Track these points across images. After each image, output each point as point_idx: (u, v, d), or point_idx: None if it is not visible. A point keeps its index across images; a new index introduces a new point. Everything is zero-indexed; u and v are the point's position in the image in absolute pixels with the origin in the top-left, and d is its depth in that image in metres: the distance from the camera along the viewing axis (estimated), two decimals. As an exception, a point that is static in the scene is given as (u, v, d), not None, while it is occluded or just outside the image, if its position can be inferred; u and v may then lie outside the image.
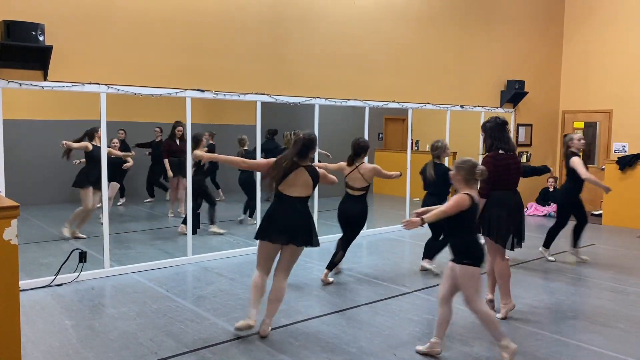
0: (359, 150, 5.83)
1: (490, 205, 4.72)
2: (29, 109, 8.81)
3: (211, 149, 8.31)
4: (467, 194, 3.88)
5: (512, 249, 4.89)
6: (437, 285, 5.91)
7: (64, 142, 7.23)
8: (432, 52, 9.25)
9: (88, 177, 7.24)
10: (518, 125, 10.71)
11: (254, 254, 7.10)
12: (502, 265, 4.88)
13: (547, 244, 7.10)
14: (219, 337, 4.38)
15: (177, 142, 8.79)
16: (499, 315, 4.88)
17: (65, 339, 4.31)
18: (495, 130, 4.86)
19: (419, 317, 4.93)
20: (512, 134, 5.07)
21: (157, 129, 9.56)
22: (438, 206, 3.96)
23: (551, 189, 10.85)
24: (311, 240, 4.38)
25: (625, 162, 9.48)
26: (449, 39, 9.47)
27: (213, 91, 6.74)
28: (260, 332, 4.37)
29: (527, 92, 10.43)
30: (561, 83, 11.62)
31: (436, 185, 6.07)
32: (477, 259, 3.91)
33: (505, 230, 4.74)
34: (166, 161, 8.66)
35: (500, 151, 4.79)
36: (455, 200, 3.85)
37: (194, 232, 6.90)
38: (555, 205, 10.66)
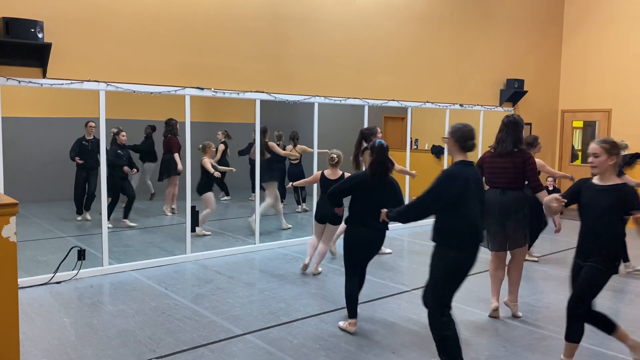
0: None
1: None
2: (28, 106, 8.80)
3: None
4: (322, 171, 6.14)
5: (489, 247, 4.84)
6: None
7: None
8: (431, 50, 9.24)
9: (272, 172, 7.98)
10: (517, 124, 10.72)
11: (252, 252, 7.14)
12: (489, 264, 4.94)
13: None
14: (218, 335, 4.38)
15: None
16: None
17: (64, 337, 4.31)
18: (499, 129, 4.87)
19: (418, 315, 4.93)
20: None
21: (92, 124, 8.13)
22: None
23: (551, 188, 10.84)
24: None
25: (625, 162, 9.46)
26: (448, 38, 9.47)
27: (212, 89, 6.73)
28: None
29: (526, 91, 10.44)
30: (560, 82, 11.62)
31: None
32: (316, 214, 6.25)
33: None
34: (177, 155, 8.68)
35: (490, 149, 4.85)
36: (313, 175, 6.46)
37: (192, 230, 6.89)
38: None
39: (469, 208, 3.49)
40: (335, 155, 6.01)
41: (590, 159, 3.62)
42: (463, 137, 3.60)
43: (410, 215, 3.71)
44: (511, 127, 4.76)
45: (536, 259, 6.95)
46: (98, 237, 6.36)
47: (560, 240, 7.88)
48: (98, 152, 7.75)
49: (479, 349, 4.22)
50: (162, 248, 7.22)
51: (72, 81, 5.73)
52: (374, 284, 5.86)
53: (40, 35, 5.32)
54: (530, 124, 10.94)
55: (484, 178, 4.76)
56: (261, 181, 7.57)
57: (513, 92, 10.23)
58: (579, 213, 3.70)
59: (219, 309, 4.99)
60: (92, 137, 8.03)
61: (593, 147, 3.58)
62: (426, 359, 4.03)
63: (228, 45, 6.91)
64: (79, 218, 8.35)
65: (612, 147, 3.55)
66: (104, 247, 6.12)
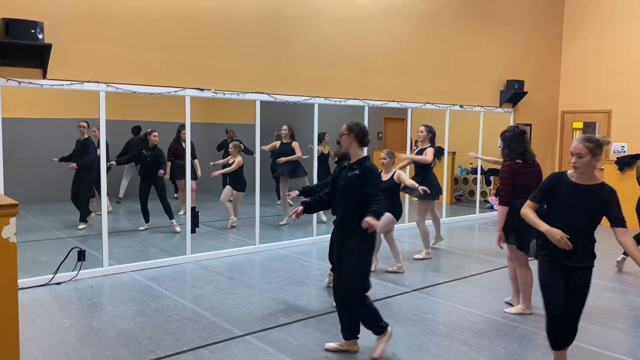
0: None
1: (511, 213, 4.76)
2: (28, 107, 8.80)
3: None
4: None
5: (535, 257, 4.87)
6: (436, 285, 5.93)
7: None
8: (431, 51, 9.24)
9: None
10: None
11: (253, 253, 7.14)
12: (523, 273, 4.97)
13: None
14: (218, 336, 4.38)
15: (183, 145, 8.71)
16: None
17: (64, 338, 4.31)
18: (513, 140, 4.92)
19: (418, 316, 4.93)
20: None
21: (84, 124, 8.14)
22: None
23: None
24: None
25: (624, 163, 9.49)
26: (448, 39, 9.47)
27: (212, 90, 6.73)
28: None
29: (526, 92, 10.44)
30: (560, 83, 11.62)
31: None
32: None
33: (525, 237, 4.69)
34: (169, 164, 8.67)
35: (517, 160, 4.86)
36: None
37: (192, 230, 6.89)
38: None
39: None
40: None
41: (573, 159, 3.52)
42: (362, 132, 3.96)
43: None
44: (523, 137, 4.92)
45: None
46: (98, 238, 6.36)
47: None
48: (85, 152, 7.84)
49: (479, 350, 4.21)
50: (162, 249, 7.22)
51: (72, 82, 5.73)
52: (374, 285, 5.84)
53: (40, 36, 5.32)
54: (530, 125, 10.95)
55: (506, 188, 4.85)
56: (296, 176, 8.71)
57: (513, 93, 10.24)
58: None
59: (219, 310, 4.99)
60: (85, 137, 7.98)
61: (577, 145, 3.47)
62: (426, 360, 4.03)
63: (228, 46, 6.91)
64: (81, 227, 8.01)
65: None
66: (104, 248, 6.11)
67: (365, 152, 4.16)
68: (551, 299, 3.53)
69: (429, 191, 6.27)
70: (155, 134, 8.13)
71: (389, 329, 4.05)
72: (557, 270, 3.53)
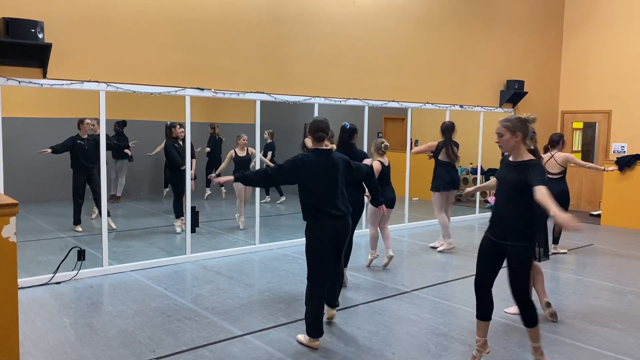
0: (551, 142, 7.13)
1: None
2: (28, 106, 8.80)
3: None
4: (379, 160, 6.10)
5: (538, 260, 4.80)
6: (435, 284, 5.93)
7: None
8: (431, 51, 9.25)
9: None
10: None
11: (252, 253, 7.14)
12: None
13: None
14: (218, 336, 4.38)
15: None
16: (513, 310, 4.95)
17: (64, 337, 4.31)
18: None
19: (418, 316, 4.93)
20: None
21: (88, 121, 8.00)
22: None
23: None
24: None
25: (624, 163, 9.49)
26: (448, 39, 9.48)
27: (212, 90, 6.73)
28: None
29: (526, 92, 10.44)
30: (560, 83, 11.63)
31: None
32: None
33: None
34: None
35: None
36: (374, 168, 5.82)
37: (192, 230, 6.89)
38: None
39: (317, 188, 4.14)
40: None
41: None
42: (313, 129, 4.17)
43: (255, 181, 4.40)
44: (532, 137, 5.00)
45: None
46: (98, 237, 6.36)
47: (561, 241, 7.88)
48: (96, 150, 7.80)
49: (479, 350, 4.21)
50: (162, 248, 7.22)
51: (72, 81, 5.73)
52: (374, 285, 5.85)
53: (40, 36, 5.32)
54: (530, 125, 10.96)
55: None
56: None
57: (513, 93, 10.24)
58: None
59: (219, 310, 4.99)
60: (86, 136, 7.88)
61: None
62: (426, 360, 4.03)
63: (228, 46, 6.91)
64: (79, 229, 7.88)
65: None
66: (103, 248, 6.11)
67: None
68: (477, 266, 3.80)
69: (385, 207, 5.99)
70: (178, 126, 8.15)
71: (317, 342, 4.16)
72: (491, 244, 3.71)
